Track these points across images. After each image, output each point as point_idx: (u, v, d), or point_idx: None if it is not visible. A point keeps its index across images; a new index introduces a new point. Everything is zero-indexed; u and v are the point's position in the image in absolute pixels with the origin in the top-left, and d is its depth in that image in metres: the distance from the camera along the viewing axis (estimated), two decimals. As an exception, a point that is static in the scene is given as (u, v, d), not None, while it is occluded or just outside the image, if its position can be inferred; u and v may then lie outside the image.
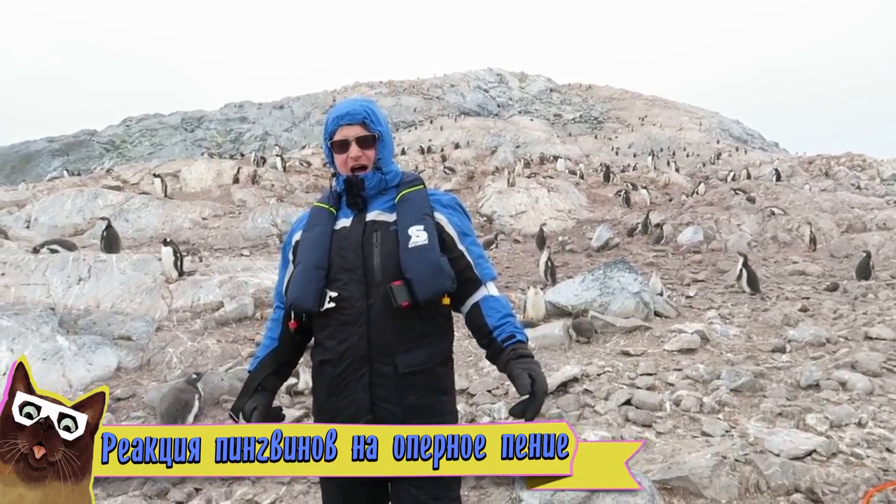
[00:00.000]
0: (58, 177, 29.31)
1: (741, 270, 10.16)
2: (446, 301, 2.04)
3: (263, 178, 22.70)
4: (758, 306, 8.80)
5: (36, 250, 10.16)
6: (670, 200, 22.63)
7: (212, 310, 8.54)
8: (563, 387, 5.37)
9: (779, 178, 24.16)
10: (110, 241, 10.53)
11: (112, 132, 58.77)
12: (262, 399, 2.05)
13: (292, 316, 2.06)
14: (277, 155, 26.76)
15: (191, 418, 5.38)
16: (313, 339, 2.09)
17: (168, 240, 9.65)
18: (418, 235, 1.95)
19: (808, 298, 9.18)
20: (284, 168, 24.54)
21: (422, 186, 2.11)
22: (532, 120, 52.03)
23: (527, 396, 1.80)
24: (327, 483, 2.07)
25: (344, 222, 2.06)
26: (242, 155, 30.51)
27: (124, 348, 7.23)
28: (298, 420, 5.19)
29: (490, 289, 2.06)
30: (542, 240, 15.46)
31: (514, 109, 62.11)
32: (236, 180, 22.01)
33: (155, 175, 20.35)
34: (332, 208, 2.10)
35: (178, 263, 9.13)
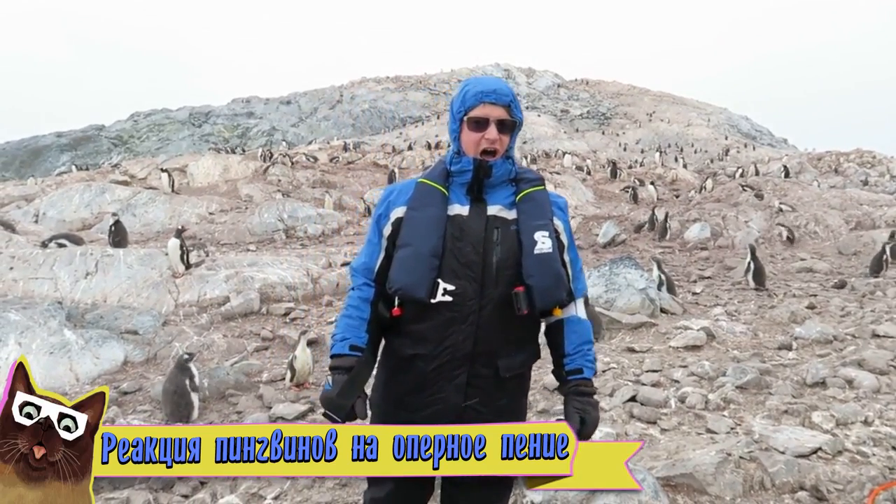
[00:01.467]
0: (66, 171, 29.46)
1: (749, 263, 10.11)
2: (558, 312, 1.96)
3: (270, 173, 22.74)
4: (764, 303, 8.76)
5: (44, 244, 10.23)
6: (677, 196, 22.56)
7: (218, 304, 8.58)
8: (568, 383, 5.36)
9: (787, 175, 24.03)
10: (118, 236, 10.55)
11: (120, 127, 58.99)
12: (360, 387, 1.88)
13: (396, 302, 1.92)
14: (284, 153, 26.78)
15: (195, 414, 5.41)
16: (402, 329, 1.93)
17: (182, 228, 9.69)
18: (544, 242, 1.86)
19: (815, 296, 9.13)
20: (292, 164, 24.56)
21: (544, 187, 2.00)
22: (539, 115, 51.91)
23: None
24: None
25: (460, 209, 1.90)
26: (244, 151, 30.48)
27: (131, 342, 7.27)
28: (303, 416, 5.21)
29: (579, 307, 2.00)
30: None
31: (521, 105, 62.00)
32: (266, 170, 22.91)
33: (162, 170, 20.42)
34: (443, 189, 1.93)
35: (185, 257, 9.16)
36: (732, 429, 4.16)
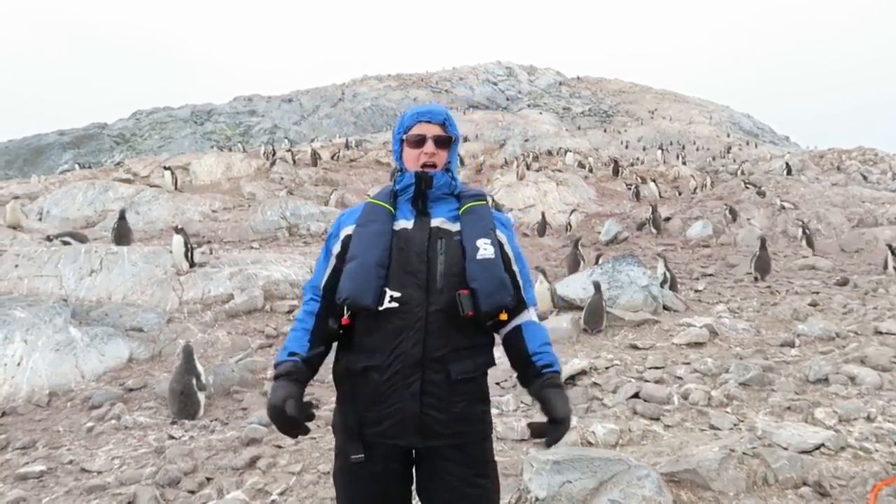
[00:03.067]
0: (69, 169, 29.50)
1: (755, 252, 10.19)
2: (504, 316, 1.99)
3: (273, 171, 22.76)
4: (767, 300, 8.77)
5: (49, 239, 10.26)
6: (679, 194, 22.55)
7: (222, 302, 8.61)
8: (572, 380, 5.39)
9: (789, 173, 24.00)
10: (121, 234, 10.53)
11: (122, 125, 59.00)
12: (295, 390, 1.92)
13: (345, 312, 1.95)
14: (288, 149, 26.82)
15: (201, 412, 5.45)
16: (353, 344, 1.97)
17: (179, 227, 9.72)
18: (486, 248, 1.94)
19: (817, 293, 9.14)
20: (294, 161, 24.59)
21: (486, 202, 2.10)
22: (541, 113, 51.83)
23: (551, 422, 1.85)
24: (354, 475, 1.98)
25: (405, 223, 2.00)
26: (244, 149, 30.46)
27: (136, 339, 7.31)
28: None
29: (532, 314, 2.07)
30: (543, 228, 16.20)
31: (523, 103, 61.94)
32: (273, 164, 23.41)
33: (165, 168, 20.44)
34: (390, 206, 2.04)
35: (189, 254, 9.19)
36: (735, 425, 4.18)
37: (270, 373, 6.45)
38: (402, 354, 1.86)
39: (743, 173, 24.71)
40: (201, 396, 5.46)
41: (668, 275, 9.17)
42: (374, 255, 1.92)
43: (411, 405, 1.87)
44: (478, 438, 2.00)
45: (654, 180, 23.40)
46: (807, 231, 14.22)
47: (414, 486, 2.05)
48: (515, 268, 2.05)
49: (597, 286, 7.51)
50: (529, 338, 2.02)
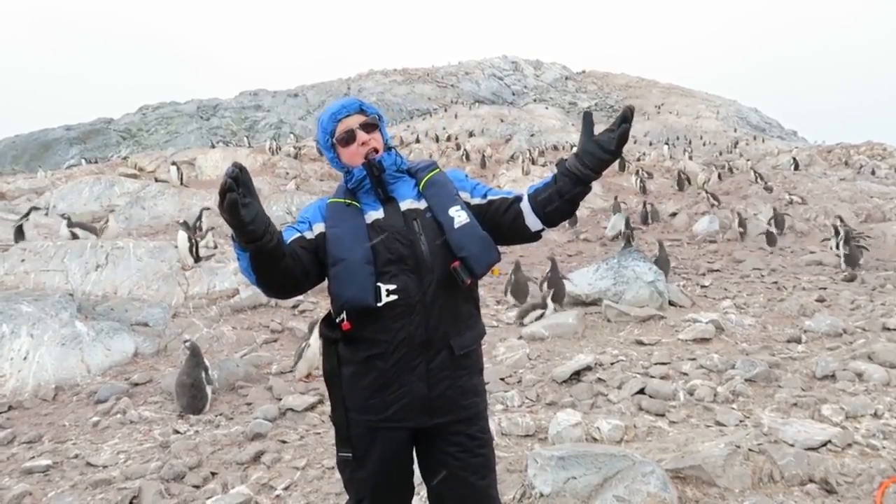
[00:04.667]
0: (75, 165, 29.60)
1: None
2: (496, 272, 2.05)
3: (278, 165, 22.77)
4: (774, 296, 8.73)
5: (65, 217, 10.35)
6: (681, 189, 22.44)
7: (227, 297, 8.62)
8: (577, 375, 5.37)
9: (797, 168, 23.88)
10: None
11: (128, 120, 59.15)
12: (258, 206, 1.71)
13: (344, 316, 1.94)
14: (295, 146, 26.82)
15: (208, 406, 5.46)
16: (351, 338, 1.96)
17: (184, 221, 9.75)
18: (459, 215, 1.97)
19: (825, 289, 9.10)
20: (297, 156, 24.60)
21: (439, 169, 2.13)
22: (547, 108, 51.67)
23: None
24: (360, 461, 1.99)
25: (375, 215, 2.00)
26: (250, 144, 30.46)
27: (141, 334, 7.32)
28: (312, 407, 5.24)
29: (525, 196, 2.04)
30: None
31: (528, 97, 61.79)
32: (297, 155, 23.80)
33: (172, 163, 20.48)
34: (353, 202, 2.04)
35: (194, 249, 9.21)
36: (741, 421, 4.16)
37: (275, 367, 6.48)
38: (407, 338, 1.89)
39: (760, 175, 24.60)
40: (209, 390, 5.47)
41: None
42: (359, 252, 1.91)
43: (419, 386, 1.92)
44: (479, 410, 2.05)
45: (650, 174, 23.28)
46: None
47: (416, 465, 2.09)
48: (487, 198, 2.07)
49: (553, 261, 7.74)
50: (537, 187, 1.99)
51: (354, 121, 2.05)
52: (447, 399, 1.95)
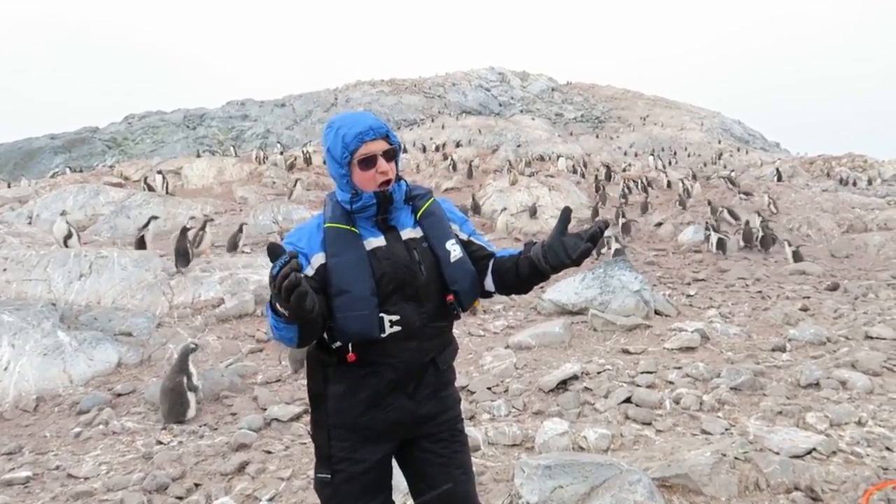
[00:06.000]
0: (60, 173, 29.33)
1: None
2: (477, 304, 2.15)
3: (265, 175, 22.70)
4: (758, 305, 8.80)
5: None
6: (670, 200, 22.61)
7: (212, 306, 8.55)
8: (563, 384, 5.37)
9: (780, 179, 24.14)
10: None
11: (114, 129, 58.74)
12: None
13: (350, 348, 1.91)
14: (296, 153, 26.77)
15: (191, 413, 5.40)
16: (346, 359, 1.93)
17: (188, 227, 10.17)
18: (454, 249, 2.02)
19: (808, 298, 9.18)
20: (293, 167, 24.52)
21: (433, 199, 2.13)
22: (534, 119, 51.95)
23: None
24: (346, 474, 1.98)
25: (376, 242, 1.97)
26: (236, 154, 30.33)
27: (125, 344, 7.24)
28: (297, 417, 5.20)
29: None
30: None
31: (515, 108, 62.08)
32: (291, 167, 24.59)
33: (157, 172, 20.36)
34: (352, 228, 1.99)
35: (190, 251, 9.51)
36: (727, 430, 4.17)
37: (261, 377, 6.43)
38: (403, 362, 1.94)
39: (731, 180, 24.82)
40: (191, 397, 5.40)
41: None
42: (364, 285, 1.90)
43: (408, 404, 1.98)
44: (456, 413, 2.13)
45: (632, 184, 23.45)
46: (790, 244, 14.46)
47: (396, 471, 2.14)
48: (475, 239, 2.15)
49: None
50: (505, 254, 2.07)
51: (379, 147, 1.96)
52: (431, 411, 2.03)
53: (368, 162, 1.95)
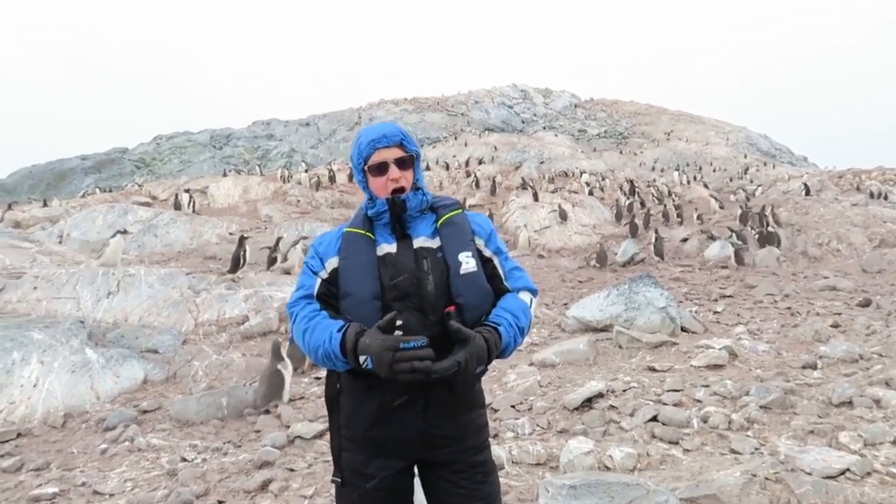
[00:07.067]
0: (90, 193, 29.96)
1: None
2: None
3: (289, 193, 22.94)
4: (788, 322, 8.63)
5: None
6: (699, 218, 22.38)
7: (237, 324, 8.62)
8: (588, 402, 5.30)
9: (808, 193, 23.77)
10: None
11: (143, 150, 59.94)
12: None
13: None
14: (323, 171, 27.07)
15: (286, 396, 6.20)
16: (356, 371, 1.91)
17: (245, 236, 10.98)
18: (468, 262, 1.96)
19: (839, 314, 8.97)
20: (318, 186, 24.76)
21: (461, 210, 2.10)
22: (556, 135, 51.92)
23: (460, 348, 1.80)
24: (358, 489, 1.98)
25: (387, 248, 1.99)
26: (262, 172, 30.78)
27: (151, 361, 7.32)
28: (320, 435, 5.19)
29: (521, 294, 2.04)
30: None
31: (538, 125, 62.14)
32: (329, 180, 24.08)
33: (184, 191, 20.69)
34: (368, 233, 2.03)
35: (243, 258, 10.21)
36: (757, 449, 4.08)
37: (284, 395, 6.43)
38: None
39: (752, 197, 24.49)
40: (287, 382, 6.18)
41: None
42: (367, 287, 1.92)
43: (417, 422, 1.92)
44: (481, 441, 2.03)
45: (662, 202, 23.23)
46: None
47: (420, 496, 2.08)
48: (497, 261, 2.07)
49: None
50: (499, 303, 2.00)
51: (392, 154, 2.01)
52: (447, 435, 1.95)
53: (380, 168, 2.00)
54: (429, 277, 1.93)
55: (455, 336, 1.81)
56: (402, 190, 2.01)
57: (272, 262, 12.10)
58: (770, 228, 16.66)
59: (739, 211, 19.79)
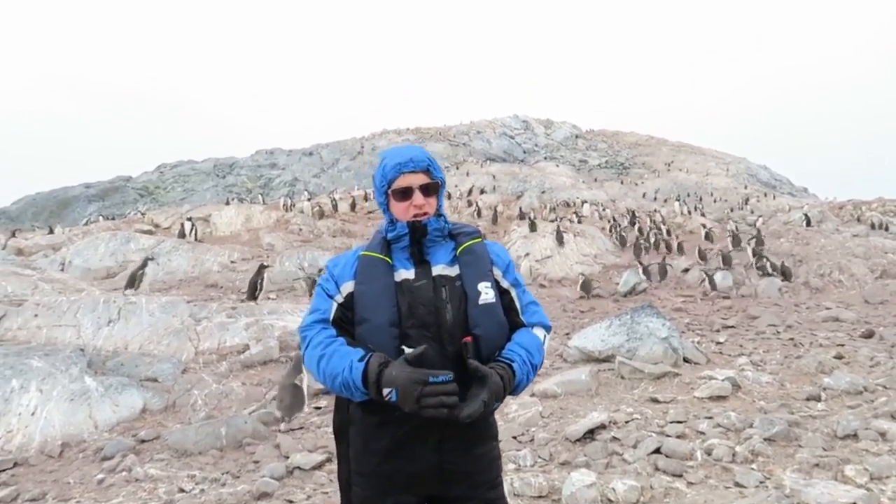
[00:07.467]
0: (93, 221, 30.08)
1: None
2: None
3: (292, 222, 23.02)
4: (790, 353, 8.58)
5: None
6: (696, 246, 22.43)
7: (237, 352, 8.58)
8: (590, 434, 5.25)
9: (809, 224, 23.83)
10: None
11: (146, 178, 60.37)
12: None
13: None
14: (307, 199, 27.22)
15: (305, 407, 6.54)
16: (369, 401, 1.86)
17: (265, 265, 11.49)
18: (487, 292, 1.92)
19: (842, 345, 8.93)
20: (322, 214, 24.86)
21: (481, 239, 2.07)
22: (558, 166, 52.32)
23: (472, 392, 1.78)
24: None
25: (406, 274, 1.94)
26: (264, 201, 30.98)
27: (150, 390, 7.27)
28: (320, 465, 5.14)
29: (535, 329, 2.01)
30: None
31: (539, 155, 62.59)
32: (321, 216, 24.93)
33: (187, 219, 20.78)
34: (386, 257, 1.97)
35: (259, 286, 10.82)
36: (762, 482, 4.03)
37: (284, 425, 6.38)
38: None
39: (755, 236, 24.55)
40: (306, 395, 6.53)
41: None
42: (385, 314, 1.86)
43: (431, 457, 1.86)
44: (493, 476, 1.98)
45: (669, 232, 23.30)
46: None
47: None
48: (514, 294, 2.03)
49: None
50: (514, 337, 1.97)
51: (417, 179, 1.97)
52: (460, 469, 1.90)
53: (404, 193, 1.97)
54: (447, 306, 1.89)
55: (474, 374, 1.78)
56: (424, 216, 1.98)
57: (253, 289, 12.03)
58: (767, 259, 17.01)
59: (730, 237, 20.17)
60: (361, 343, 1.87)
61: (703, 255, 18.44)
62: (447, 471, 1.88)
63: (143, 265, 11.69)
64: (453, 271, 1.96)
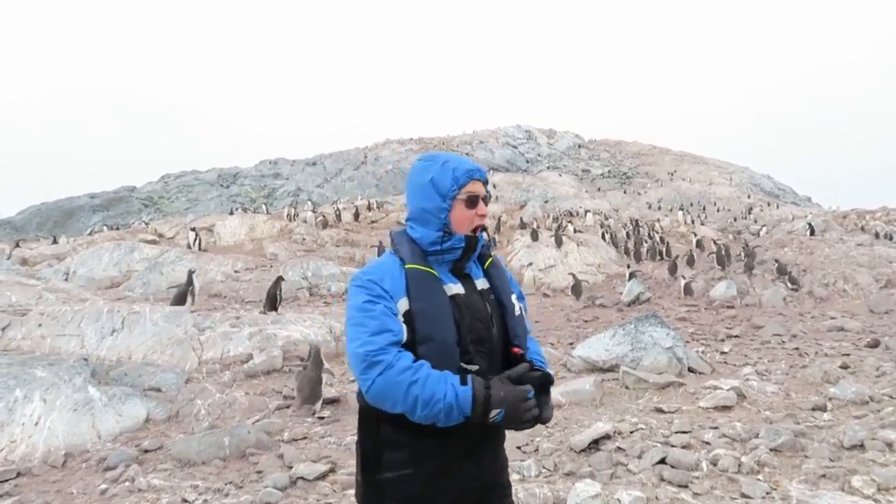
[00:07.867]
0: (98, 231, 30.18)
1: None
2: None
3: (295, 231, 23.07)
4: (796, 363, 8.54)
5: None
6: (702, 254, 22.39)
7: (241, 362, 8.58)
8: (595, 444, 5.22)
9: (812, 233, 23.79)
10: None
11: (151, 188, 60.60)
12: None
13: None
14: (311, 210, 27.29)
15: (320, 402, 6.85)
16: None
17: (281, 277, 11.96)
18: (516, 304, 1.99)
19: (848, 355, 8.89)
20: (326, 224, 24.90)
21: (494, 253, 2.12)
22: (560, 175, 52.39)
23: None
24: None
25: (455, 289, 1.88)
26: (268, 211, 31.08)
27: (154, 399, 7.26)
28: (323, 476, 5.12)
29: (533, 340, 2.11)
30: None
31: (542, 165, 62.68)
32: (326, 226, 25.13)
33: (191, 229, 20.84)
34: (433, 271, 1.88)
35: (278, 297, 11.17)
36: (768, 493, 4.00)
37: (287, 435, 6.36)
38: (472, 424, 1.73)
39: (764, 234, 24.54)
40: (324, 388, 6.91)
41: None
42: (448, 334, 1.79)
43: (477, 471, 1.86)
44: (507, 478, 2.02)
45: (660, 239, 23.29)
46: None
47: None
48: (523, 309, 2.08)
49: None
50: (530, 347, 2.03)
51: (482, 189, 1.95)
52: (496, 480, 1.93)
53: (474, 201, 1.92)
54: (493, 320, 1.91)
55: (543, 381, 1.80)
56: (482, 228, 1.98)
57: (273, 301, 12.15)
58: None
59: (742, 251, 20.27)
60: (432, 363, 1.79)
61: (691, 262, 18.75)
62: (487, 484, 1.89)
63: (189, 282, 11.97)
64: (486, 284, 2.00)
